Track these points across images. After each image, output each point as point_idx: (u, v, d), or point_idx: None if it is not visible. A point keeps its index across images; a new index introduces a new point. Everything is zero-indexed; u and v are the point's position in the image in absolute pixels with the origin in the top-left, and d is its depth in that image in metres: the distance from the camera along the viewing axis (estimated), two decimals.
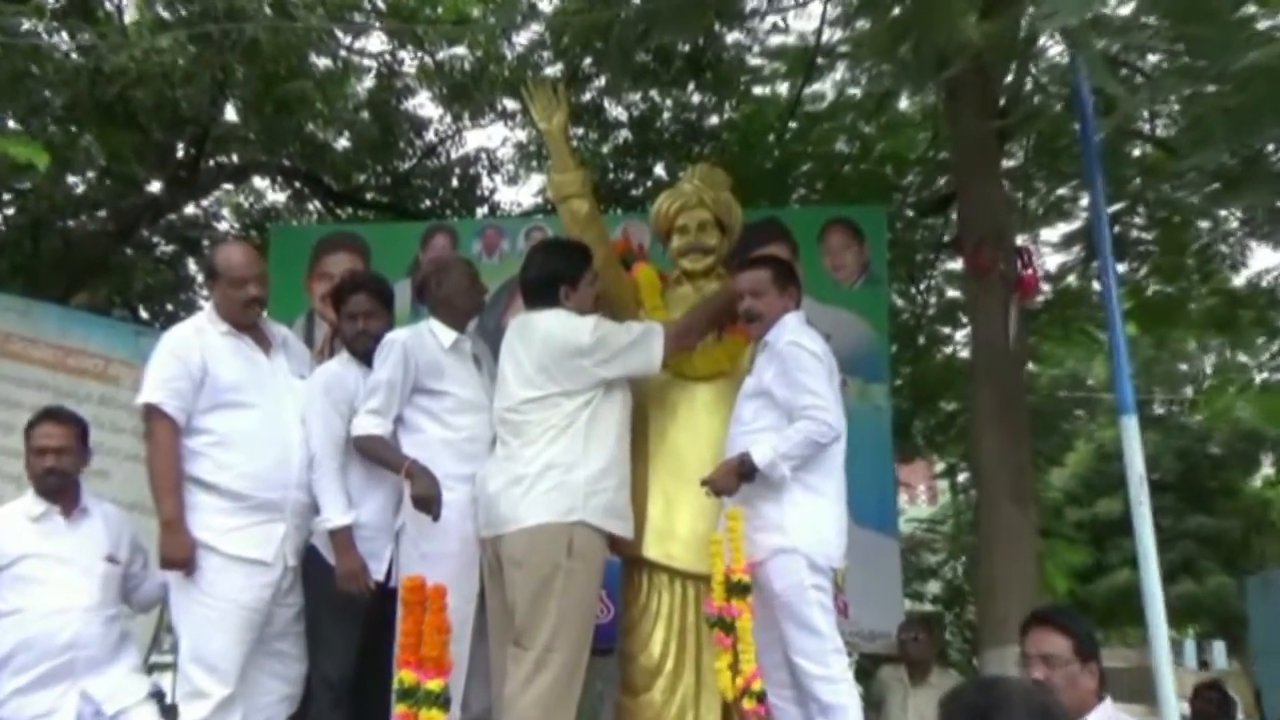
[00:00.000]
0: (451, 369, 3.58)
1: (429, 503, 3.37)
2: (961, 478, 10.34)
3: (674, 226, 3.97)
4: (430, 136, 8.72)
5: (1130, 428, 3.69)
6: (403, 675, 2.83)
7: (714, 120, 8.16)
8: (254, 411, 3.49)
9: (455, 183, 8.77)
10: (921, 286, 8.28)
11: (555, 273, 3.61)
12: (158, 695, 3.66)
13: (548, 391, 3.44)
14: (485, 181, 8.82)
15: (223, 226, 9.34)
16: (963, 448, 8.63)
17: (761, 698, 3.20)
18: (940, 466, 11.08)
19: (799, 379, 3.38)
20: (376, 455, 3.51)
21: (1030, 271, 5.01)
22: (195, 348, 3.48)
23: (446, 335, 3.61)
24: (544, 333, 3.50)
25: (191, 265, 9.04)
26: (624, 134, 8.23)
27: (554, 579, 3.29)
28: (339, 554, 3.46)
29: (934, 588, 11.10)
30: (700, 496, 3.50)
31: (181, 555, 3.34)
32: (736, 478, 3.40)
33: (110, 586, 3.62)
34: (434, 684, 2.78)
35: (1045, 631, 2.83)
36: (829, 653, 3.31)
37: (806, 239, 5.67)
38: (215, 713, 3.32)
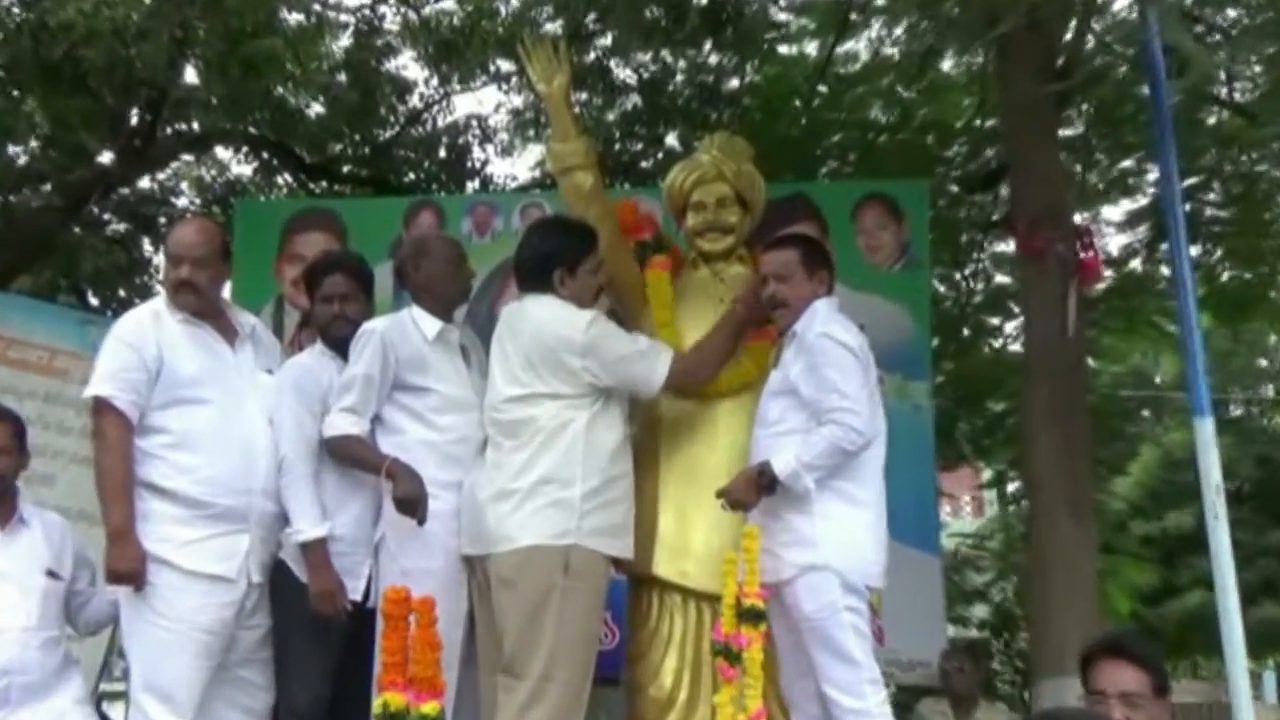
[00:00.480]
0: (436, 362, 3.57)
1: (414, 504, 3.36)
2: (1012, 487, 10.34)
3: (689, 203, 3.94)
4: (415, 101, 8.74)
5: (1205, 431, 3.68)
6: (387, 698, 2.80)
7: (734, 83, 8.15)
8: (215, 409, 3.47)
9: (443, 153, 8.79)
10: (967, 271, 8.27)
11: (551, 255, 3.58)
12: None
13: (533, 390, 3.42)
14: (476, 152, 8.87)
15: (181, 202, 9.38)
16: (1013, 453, 8.60)
17: None
18: (987, 474, 11.06)
19: (828, 376, 3.35)
20: (352, 456, 3.51)
21: (1091, 254, 4.99)
22: (150, 336, 3.46)
23: (430, 325, 3.60)
24: (533, 323, 3.49)
25: (146, 245, 9.07)
26: (633, 99, 8.22)
27: (549, 599, 3.28)
28: (312, 570, 3.44)
29: (981, 611, 11.09)
30: (717, 508, 3.48)
31: (130, 568, 3.32)
32: (756, 489, 3.37)
33: (51, 605, 3.62)
34: (429, 707, 2.74)
35: (1120, 665, 2.79)
36: (864, 683, 3.28)
37: (838, 217, 5.66)
38: None
